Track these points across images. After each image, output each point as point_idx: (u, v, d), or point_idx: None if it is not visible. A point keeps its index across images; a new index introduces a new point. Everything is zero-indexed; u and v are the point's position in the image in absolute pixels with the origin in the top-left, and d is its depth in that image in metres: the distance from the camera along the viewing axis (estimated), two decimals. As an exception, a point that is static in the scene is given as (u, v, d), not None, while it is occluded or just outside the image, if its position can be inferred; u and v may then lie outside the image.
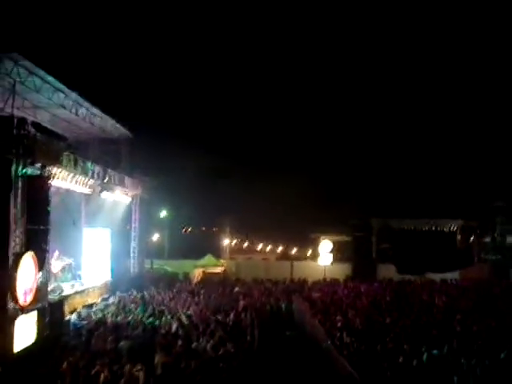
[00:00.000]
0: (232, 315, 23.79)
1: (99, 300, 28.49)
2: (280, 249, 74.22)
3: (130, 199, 34.79)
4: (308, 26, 65.25)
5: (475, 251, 51.29)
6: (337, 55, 63.95)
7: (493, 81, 59.52)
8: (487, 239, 48.98)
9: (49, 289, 22.72)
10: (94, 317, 23.50)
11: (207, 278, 40.69)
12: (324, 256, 44.97)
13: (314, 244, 51.67)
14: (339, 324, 21.89)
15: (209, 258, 44.44)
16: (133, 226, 36.35)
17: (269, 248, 76.86)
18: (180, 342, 17.80)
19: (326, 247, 45.30)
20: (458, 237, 50.42)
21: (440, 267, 45.69)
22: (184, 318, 22.60)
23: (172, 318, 22.69)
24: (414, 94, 62.32)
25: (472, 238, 51.44)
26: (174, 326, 20.75)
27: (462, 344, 17.31)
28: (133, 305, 26.13)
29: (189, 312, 24.29)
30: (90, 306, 26.47)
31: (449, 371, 14.41)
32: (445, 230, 49.98)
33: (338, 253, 48.44)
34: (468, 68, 60.29)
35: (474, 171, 56.68)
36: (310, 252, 59.78)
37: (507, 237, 47.45)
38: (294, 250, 69.39)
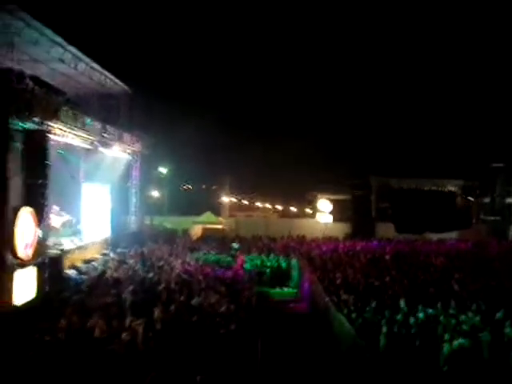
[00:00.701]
0: (231, 271, 23.93)
1: (99, 255, 28.57)
2: (280, 207, 74.37)
3: (129, 155, 34.61)
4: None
5: (474, 212, 51.43)
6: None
7: (491, 44, 58.89)
8: (486, 200, 48.98)
9: (48, 244, 22.75)
10: (93, 272, 23.62)
11: (206, 235, 40.81)
12: (323, 214, 45.05)
13: (313, 202, 51.70)
14: (338, 281, 22.00)
15: (208, 215, 44.51)
16: (132, 182, 36.24)
17: (269, 206, 77.02)
18: (179, 297, 17.89)
19: (325, 206, 45.33)
20: (458, 197, 50.39)
21: (439, 227, 45.84)
22: (183, 274, 22.72)
23: (172, 273, 22.79)
24: (415, 55, 61.67)
25: (472, 199, 51.47)
26: (174, 282, 20.85)
27: (459, 303, 17.38)
28: (132, 260, 26.24)
29: (188, 268, 24.41)
30: (90, 261, 26.53)
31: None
32: (445, 190, 49.89)
33: (338, 211, 48.50)
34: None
35: (475, 132, 56.43)
36: (309, 210, 59.88)
37: (506, 198, 47.48)
38: (294, 209, 69.52)
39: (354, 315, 16.14)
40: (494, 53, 58.43)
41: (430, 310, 16.19)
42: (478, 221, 49.87)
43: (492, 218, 46.96)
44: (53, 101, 20.85)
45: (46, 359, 11.73)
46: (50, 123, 20.78)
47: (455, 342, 12.92)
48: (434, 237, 43.10)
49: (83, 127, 25.27)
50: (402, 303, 17.13)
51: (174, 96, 50.70)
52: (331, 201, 45.97)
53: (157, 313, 15.55)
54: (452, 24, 59.12)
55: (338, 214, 48.36)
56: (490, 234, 44.60)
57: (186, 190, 76.24)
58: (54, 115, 21.26)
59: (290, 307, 23.47)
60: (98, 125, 27.38)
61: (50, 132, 20.85)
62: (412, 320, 15.23)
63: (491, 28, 56.88)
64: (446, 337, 13.32)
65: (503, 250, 34.74)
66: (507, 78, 57.01)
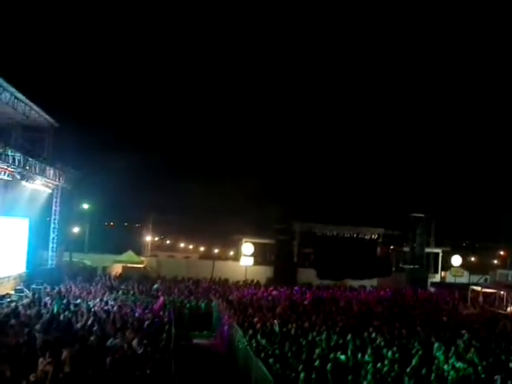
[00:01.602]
0: (150, 312, 23.51)
1: (12, 291, 27.61)
2: (203, 248, 74.11)
3: (51, 189, 33.85)
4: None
5: (394, 260, 52.60)
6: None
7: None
8: (406, 249, 50.20)
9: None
10: (6, 308, 22.73)
11: (127, 274, 40.09)
12: (246, 257, 45.11)
13: (237, 245, 51.77)
14: (257, 326, 21.94)
15: (129, 254, 43.79)
16: (53, 217, 35.39)
17: (191, 246, 76.64)
18: (95, 338, 17.40)
19: (247, 249, 45.44)
20: (378, 245, 51.43)
21: (359, 274, 46.61)
22: (101, 314, 22.17)
23: (88, 313, 22.18)
24: (336, 109, 63.45)
25: (392, 247, 52.65)
26: (90, 321, 20.29)
27: (377, 350, 17.63)
28: (48, 298, 25.42)
29: (106, 307, 23.85)
30: (3, 297, 25.59)
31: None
32: (366, 237, 50.86)
33: (260, 255, 48.71)
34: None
35: (396, 182, 58.14)
36: (232, 253, 59.92)
37: (425, 247, 48.88)
38: (217, 250, 69.43)
39: (271, 360, 16.10)
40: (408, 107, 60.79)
41: (343, 357, 16.29)
42: (398, 269, 50.92)
43: (411, 266, 48.08)
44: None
45: None
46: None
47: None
48: (355, 283, 43.80)
49: (3, 158, 24.62)
50: (318, 350, 17.21)
51: (101, 132, 50.11)
52: (254, 244, 46.13)
53: (65, 353, 14.98)
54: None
55: (261, 257, 48.58)
56: (409, 283, 45.62)
57: (108, 227, 75.02)
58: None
59: (208, 349, 23.23)
60: (19, 157, 26.71)
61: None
62: (329, 366, 15.32)
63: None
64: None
65: (421, 299, 35.64)
66: (430, 132, 59.35)
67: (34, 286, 29.07)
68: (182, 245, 77.71)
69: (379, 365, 15.47)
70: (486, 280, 47.45)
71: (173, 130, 62.64)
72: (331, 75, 63.64)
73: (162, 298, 28.73)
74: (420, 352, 16.96)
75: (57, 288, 28.49)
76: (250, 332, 20.51)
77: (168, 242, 78.33)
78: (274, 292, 34.98)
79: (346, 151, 62.24)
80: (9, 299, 25.09)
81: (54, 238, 35.56)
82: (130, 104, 60.03)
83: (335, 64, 63.50)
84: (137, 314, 22.72)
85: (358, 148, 62.58)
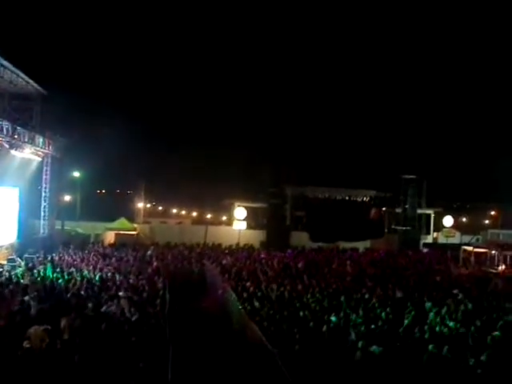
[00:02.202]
0: (144, 278, 23.54)
1: (4, 261, 27.58)
2: (195, 213, 74.15)
3: (40, 158, 33.62)
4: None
5: (386, 222, 52.79)
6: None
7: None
8: (398, 210, 50.37)
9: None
10: (-1, 278, 22.72)
11: (120, 241, 40.08)
12: (238, 222, 45.14)
13: (230, 210, 51.80)
14: (251, 289, 22.01)
15: (122, 221, 43.74)
16: (43, 185, 35.22)
17: (184, 212, 76.67)
18: (89, 305, 17.41)
19: (240, 213, 45.43)
20: (371, 207, 51.54)
21: (352, 236, 46.79)
22: (94, 281, 22.21)
23: (82, 280, 22.21)
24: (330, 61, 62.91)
25: (384, 209, 52.79)
26: (84, 289, 20.31)
27: (369, 311, 17.71)
28: (41, 266, 25.41)
29: (100, 274, 23.88)
30: (-5, 266, 25.59)
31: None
32: (358, 199, 50.95)
33: (253, 219, 48.74)
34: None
35: (387, 144, 58.09)
36: (225, 217, 59.97)
37: (417, 209, 49.07)
38: (209, 215, 69.48)
39: (265, 323, 16.17)
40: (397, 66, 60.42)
41: (334, 319, 16.34)
42: (390, 230, 51.15)
43: (403, 228, 48.31)
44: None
45: None
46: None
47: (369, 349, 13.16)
48: (347, 246, 43.99)
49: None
50: (308, 312, 17.29)
51: (90, 99, 49.60)
52: (247, 208, 46.12)
53: (64, 322, 15.03)
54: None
55: (254, 221, 48.63)
56: (402, 244, 45.92)
57: (99, 194, 74.85)
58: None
59: (203, 314, 23.30)
60: (7, 125, 26.44)
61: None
62: (325, 327, 15.40)
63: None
64: (360, 344, 13.51)
65: (413, 260, 35.88)
66: (421, 93, 59.09)
67: (26, 256, 29.06)
68: (175, 211, 77.72)
69: (373, 326, 15.55)
70: (477, 240, 47.78)
71: (164, 97, 62.10)
72: (323, 40, 63.00)
73: (155, 264, 28.78)
74: (413, 312, 17.06)
75: (49, 257, 28.45)
76: (245, 295, 20.60)
77: (160, 208, 78.31)
78: (268, 255, 35.09)
79: (338, 114, 61.97)
80: (1, 269, 25.03)
81: (45, 206, 35.46)
82: (119, 70, 59.40)
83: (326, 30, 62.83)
84: (131, 281, 22.74)
85: (349, 111, 62.31)
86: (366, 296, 20.82)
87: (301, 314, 17.24)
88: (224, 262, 31.12)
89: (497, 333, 14.17)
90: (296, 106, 61.96)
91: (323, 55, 62.59)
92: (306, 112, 61.92)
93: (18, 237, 31.79)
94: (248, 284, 23.20)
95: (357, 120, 61.91)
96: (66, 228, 40.61)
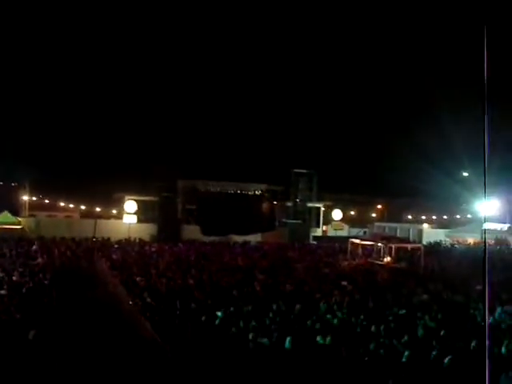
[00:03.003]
0: (28, 276, 22.62)
1: None
2: (83, 207, 72.31)
3: None
4: None
5: (277, 215, 53.50)
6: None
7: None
8: (289, 204, 51.18)
9: None
10: None
11: (2, 236, 38.30)
12: (128, 215, 44.40)
13: (120, 203, 50.82)
14: (141, 284, 21.64)
15: (4, 215, 41.84)
16: None
17: (72, 206, 74.58)
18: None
19: (130, 207, 44.71)
20: (262, 200, 52.01)
21: (243, 230, 47.12)
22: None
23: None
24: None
25: (275, 202, 53.46)
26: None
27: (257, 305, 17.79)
28: None
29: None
30: None
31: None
32: (249, 193, 51.27)
33: (144, 213, 48.04)
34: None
35: (279, 138, 58.93)
36: (115, 211, 58.86)
37: (307, 202, 50.13)
38: (99, 209, 67.97)
39: (157, 318, 15.91)
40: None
41: (219, 313, 16.32)
42: (281, 224, 51.89)
43: (294, 221, 49.19)
44: None
45: None
46: None
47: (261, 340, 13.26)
48: (239, 239, 44.24)
49: None
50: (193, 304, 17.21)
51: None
52: (137, 202, 45.43)
53: None
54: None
55: (144, 215, 47.93)
56: (292, 237, 46.79)
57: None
58: None
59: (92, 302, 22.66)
60: None
61: None
62: (217, 321, 15.35)
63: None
64: (250, 336, 13.55)
65: (303, 253, 36.57)
66: (312, 88, 60.24)
67: None
68: (62, 204, 75.44)
69: (267, 319, 15.64)
70: (364, 233, 49.52)
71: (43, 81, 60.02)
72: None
73: (40, 260, 27.73)
74: (302, 303, 17.33)
75: None
76: (136, 291, 20.20)
77: (47, 201, 75.72)
78: (159, 249, 34.71)
79: (229, 108, 62.20)
80: None
81: None
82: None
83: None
84: (14, 278, 21.78)
85: (240, 105, 62.69)
86: (257, 289, 20.97)
87: (192, 307, 17.12)
88: (114, 256, 30.46)
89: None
90: (189, 99, 61.68)
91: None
92: (198, 106, 61.75)
93: None
94: (138, 279, 22.79)
95: (248, 114, 62.39)
96: None
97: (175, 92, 61.58)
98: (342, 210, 54.86)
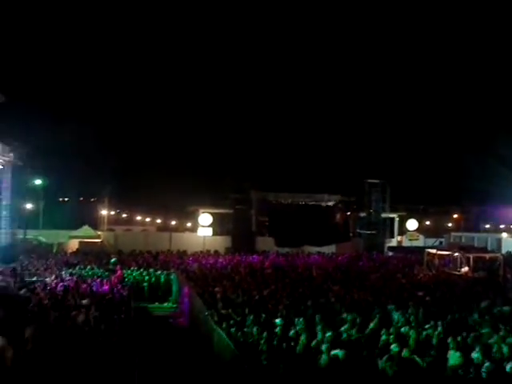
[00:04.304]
0: (108, 287, 23.29)
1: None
2: (159, 220, 73.72)
3: (1, 166, 33.06)
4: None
5: (351, 226, 53.12)
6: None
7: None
8: (363, 214, 50.76)
9: None
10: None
11: (83, 249, 39.60)
12: (203, 228, 44.98)
13: (194, 216, 51.59)
14: (218, 295, 21.89)
15: (85, 229, 43.26)
16: (3, 194, 34.56)
17: (148, 219, 76.17)
18: (53, 315, 17.14)
19: (205, 220, 45.29)
20: (336, 211, 51.76)
21: (317, 241, 46.97)
22: (58, 290, 21.88)
23: (44, 290, 21.86)
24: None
25: (348, 213, 53.11)
26: (47, 299, 19.99)
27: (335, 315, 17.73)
28: (2, 277, 24.93)
29: (63, 284, 23.52)
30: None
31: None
32: (322, 204, 51.12)
33: (218, 225, 48.60)
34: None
35: (350, 149, 58.56)
36: (189, 224, 59.78)
37: (381, 213, 49.61)
38: (174, 222, 69.15)
39: (233, 330, 16.06)
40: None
41: (278, 321, 16.33)
42: (355, 234, 51.53)
43: (368, 232, 48.77)
44: None
45: None
46: None
47: (332, 352, 13.11)
48: (313, 250, 44.17)
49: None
50: (279, 321, 17.20)
51: (52, 106, 49.04)
52: (212, 214, 45.99)
53: (28, 332, 14.75)
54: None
55: (219, 227, 48.50)
56: (367, 248, 46.36)
57: (62, 202, 73.91)
58: None
59: (169, 322, 23.18)
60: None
61: None
62: (292, 332, 15.36)
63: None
64: (324, 347, 13.48)
65: (378, 263, 36.19)
66: (384, 98, 59.70)
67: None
68: (139, 218, 77.17)
69: (342, 329, 15.56)
70: (440, 243, 48.46)
71: (122, 102, 61.61)
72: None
73: (119, 272, 28.48)
74: (378, 315, 17.12)
75: (11, 266, 27.96)
76: (211, 302, 20.47)
77: (125, 215, 77.65)
78: (233, 261, 35.02)
79: (301, 120, 62.30)
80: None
81: (6, 215, 34.79)
82: (79, 77, 58.77)
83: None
84: (94, 289, 22.47)
85: (313, 117, 62.68)
86: (332, 300, 20.89)
87: (267, 318, 17.21)
88: (190, 268, 30.96)
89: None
90: (260, 112, 62.13)
91: (284, 60, 62.74)
92: (270, 118, 62.10)
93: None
94: (216, 289, 23.07)
95: (321, 125, 62.29)
96: (28, 237, 39.99)
97: (247, 104, 62.07)
98: (417, 220, 53.91)
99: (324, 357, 13.01)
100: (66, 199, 75.80)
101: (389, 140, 60.57)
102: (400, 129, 61.58)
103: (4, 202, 34.70)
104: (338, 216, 51.73)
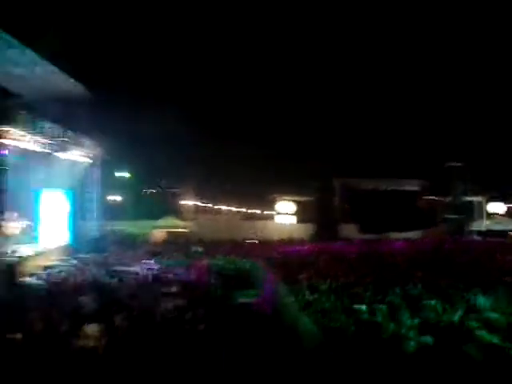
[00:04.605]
0: (194, 275, 23.73)
1: (58, 262, 28.11)
2: (243, 209, 74.24)
3: (89, 160, 34.19)
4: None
5: (437, 211, 52.03)
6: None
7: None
8: (448, 199, 49.65)
9: (5, 251, 22.35)
10: (52, 279, 23.17)
11: (169, 239, 40.47)
12: (286, 216, 45.10)
13: (277, 204, 51.78)
14: (303, 282, 21.90)
15: (171, 219, 44.22)
16: (93, 187, 35.78)
17: (232, 209, 76.85)
18: (142, 303, 17.64)
19: (288, 207, 45.41)
20: (420, 196, 50.85)
21: (402, 227, 46.25)
22: (145, 279, 22.50)
23: (133, 279, 22.52)
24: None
25: (434, 198, 52.02)
26: (135, 288, 20.58)
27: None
28: (93, 266, 25.83)
29: (150, 272, 24.15)
30: (49, 268, 26.07)
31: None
32: (406, 189, 50.30)
33: (301, 213, 48.64)
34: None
35: (431, 132, 57.04)
36: (273, 212, 59.98)
37: (467, 196, 48.39)
38: (258, 211, 69.47)
39: (319, 315, 16.05)
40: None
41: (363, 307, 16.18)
42: (441, 219, 50.45)
43: (455, 216, 47.68)
44: (8, 104, 20.46)
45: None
46: (5, 127, 20.38)
47: (421, 339, 12.95)
48: (398, 236, 43.49)
49: (41, 131, 24.89)
50: (364, 307, 17.07)
51: (137, 99, 49.98)
52: (295, 202, 46.06)
53: (118, 319, 15.26)
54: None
55: (302, 215, 48.53)
56: (453, 232, 45.29)
57: (148, 194, 75.62)
58: (10, 119, 20.86)
59: (254, 309, 23.34)
60: (56, 129, 26.98)
61: (5, 137, 20.41)
62: (378, 318, 15.23)
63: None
64: (411, 334, 13.31)
65: (465, 248, 35.28)
66: (464, 78, 57.82)
67: (79, 256, 29.63)
68: (223, 207, 78.00)
69: (429, 315, 15.29)
70: (530, 226, 46.82)
71: (211, 92, 62.01)
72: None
73: (205, 260, 28.93)
74: (465, 301, 16.74)
75: (101, 256, 28.90)
76: (296, 288, 20.50)
77: (208, 205, 78.66)
78: (317, 248, 34.93)
79: (381, 105, 61.13)
80: (56, 269, 25.52)
81: (94, 208, 36.02)
82: (163, 69, 59.55)
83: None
84: (180, 278, 22.93)
85: (392, 101, 61.38)
86: (418, 286, 20.55)
87: (354, 306, 17.09)
88: (274, 255, 31.08)
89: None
90: (340, 97, 61.37)
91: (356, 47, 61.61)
92: (349, 104, 61.24)
93: (70, 238, 32.38)
94: (301, 276, 23.09)
95: (401, 110, 60.95)
96: (116, 228, 41.18)
97: (327, 90, 61.41)
98: (505, 204, 52.19)
99: (411, 343, 12.84)
100: (152, 191, 77.49)
101: (471, 122, 58.59)
102: (482, 110, 59.42)
103: (93, 195, 35.92)
104: (423, 201, 50.78)
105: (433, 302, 16.70)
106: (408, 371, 11.81)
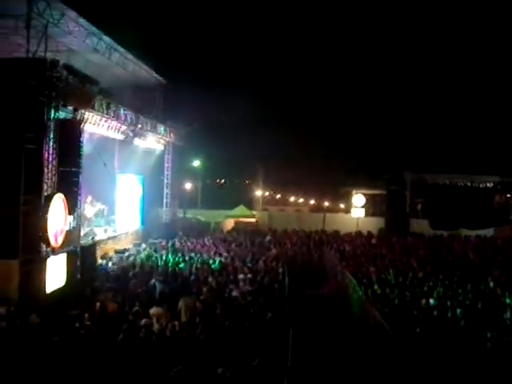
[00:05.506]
0: (262, 263, 23.77)
1: (131, 246, 28.68)
2: (313, 201, 74.05)
3: (162, 146, 34.71)
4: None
5: (511, 208, 50.40)
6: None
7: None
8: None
9: (81, 233, 22.92)
10: (125, 262, 23.65)
11: (239, 228, 40.66)
12: (357, 209, 44.58)
13: (347, 197, 51.34)
14: (372, 275, 21.65)
15: (241, 209, 44.39)
16: (165, 173, 36.34)
17: (301, 200, 76.78)
18: (209, 289, 17.80)
19: (358, 200, 44.84)
20: (495, 193, 49.35)
21: (475, 224, 44.98)
22: (214, 266, 22.68)
23: (202, 265, 22.74)
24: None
25: (508, 195, 50.42)
26: (205, 273, 20.77)
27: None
28: (164, 251, 26.22)
29: (219, 259, 24.32)
30: (122, 251, 26.63)
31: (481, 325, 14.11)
32: (481, 185, 48.90)
33: (372, 206, 48.03)
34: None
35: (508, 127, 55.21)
36: (342, 205, 59.54)
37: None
38: (327, 203, 69.11)
39: (386, 310, 15.87)
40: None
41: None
42: (516, 218, 48.81)
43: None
44: (86, 90, 20.89)
45: (72, 345, 11.65)
46: (83, 112, 20.86)
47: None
48: (470, 233, 42.31)
49: (117, 117, 25.38)
50: (432, 301, 16.77)
51: (210, 87, 50.26)
52: (365, 195, 45.47)
53: (181, 303, 15.43)
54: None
55: (372, 208, 47.93)
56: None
57: (219, 183, 76.43)
58: (88, 104, 21.34)
59: (322, 299, 23.24)
60: (131, 115, 27.48)
61: (83, 121, 20.90)
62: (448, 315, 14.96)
63: None
64: (489, 335, 13.03)
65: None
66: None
67: (150, 241, 30.15)
68: (293, 198, 78.00)
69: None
70: None
71: (285, 83, 61.75)
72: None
73: (274, 250, 28.95)
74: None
75: (171, 242, 29.30)
76: (365, 282, 20.30)
77: (278, 196, 78.85)
78: (387, 242, 34.45)
79: (457, 99, 59.59)
80: (127, 253, 26.04)
81: (167, 194, 36.57)
82: (237, 57, 59.66)
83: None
84: (249, 265, 23.02)
85: (468, 95, 59.70)
86: (491, 284, 19.98)
87: (423, 302, 16.81)
88: (343, 248, 30.82)
89: None
90: (414, 91, 60.18)
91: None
92: (425, 98, 59.97)
93: (142, 223, 32.98)
94: (370, 269, 22.85)
95: (476, 104, 59.25)
96: (187, 216, 41.66)
97: (400, 81, 60.30)
98: None
99: (488, 344, 12.57)
100: (223, 180, 78.25)
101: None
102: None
103: (165, 182, 36.47)
104: (497, 198, 49.24)
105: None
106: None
